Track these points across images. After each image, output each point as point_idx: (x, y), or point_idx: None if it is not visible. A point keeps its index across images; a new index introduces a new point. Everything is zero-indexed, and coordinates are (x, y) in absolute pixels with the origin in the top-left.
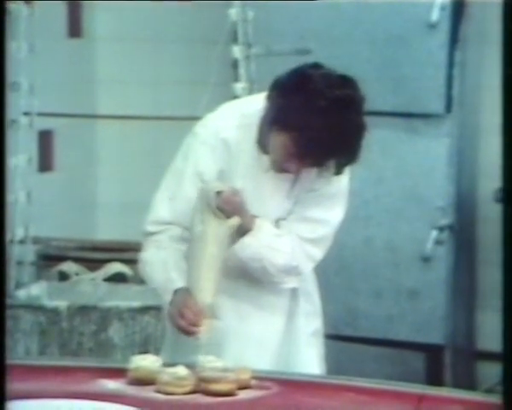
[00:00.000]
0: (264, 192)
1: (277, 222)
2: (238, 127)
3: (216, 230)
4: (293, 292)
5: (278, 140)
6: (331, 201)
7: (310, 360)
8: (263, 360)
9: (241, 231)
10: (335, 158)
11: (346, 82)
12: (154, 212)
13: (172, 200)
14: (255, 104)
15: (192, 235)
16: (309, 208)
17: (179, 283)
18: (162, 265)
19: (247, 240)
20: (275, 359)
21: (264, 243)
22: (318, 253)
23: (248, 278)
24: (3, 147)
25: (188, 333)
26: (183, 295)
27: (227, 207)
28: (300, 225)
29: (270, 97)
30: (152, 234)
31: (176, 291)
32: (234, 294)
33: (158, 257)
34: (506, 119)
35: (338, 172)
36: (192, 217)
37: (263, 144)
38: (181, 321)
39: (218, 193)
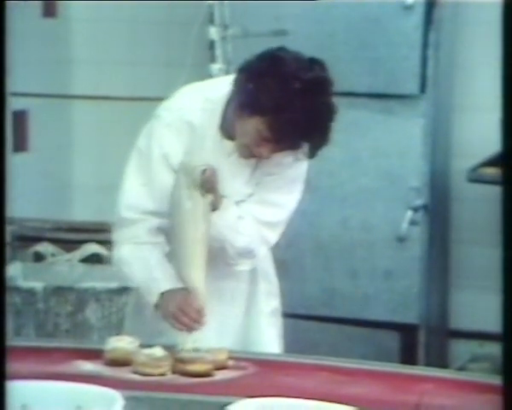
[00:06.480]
0: (225, 177)
1: (237, 205)
2: (202, 111)
3: (203, 207)
4: (253, 274)
5: (250, 124)
6: (290, 185)
7: (270, 340)
8: (223, 343)
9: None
10: (309, 140)
11: (317, 64)
12: (129, 197)
13: (145, 186)
14: (219, 89)
15: (177, 213)
16: (269, 192)
17: (164, 283)
18: (143, 264)
19: (212, 219)
20: (235, 340)
21: (227, 224)
22: (274, 237)
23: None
24: (3, 140)
25: (190, 330)
26: (180, 293)
27: (208, 184)
28: (259, 208)
29: (238, 82)
30: (128, 222)
31: (163, 293)
32: None
33: (137, 255)
34: (506, 120)
35: (311, 155)
36: (174, 195)
37: (226, 129)
38: (184, 320)
39: (203, 171)
